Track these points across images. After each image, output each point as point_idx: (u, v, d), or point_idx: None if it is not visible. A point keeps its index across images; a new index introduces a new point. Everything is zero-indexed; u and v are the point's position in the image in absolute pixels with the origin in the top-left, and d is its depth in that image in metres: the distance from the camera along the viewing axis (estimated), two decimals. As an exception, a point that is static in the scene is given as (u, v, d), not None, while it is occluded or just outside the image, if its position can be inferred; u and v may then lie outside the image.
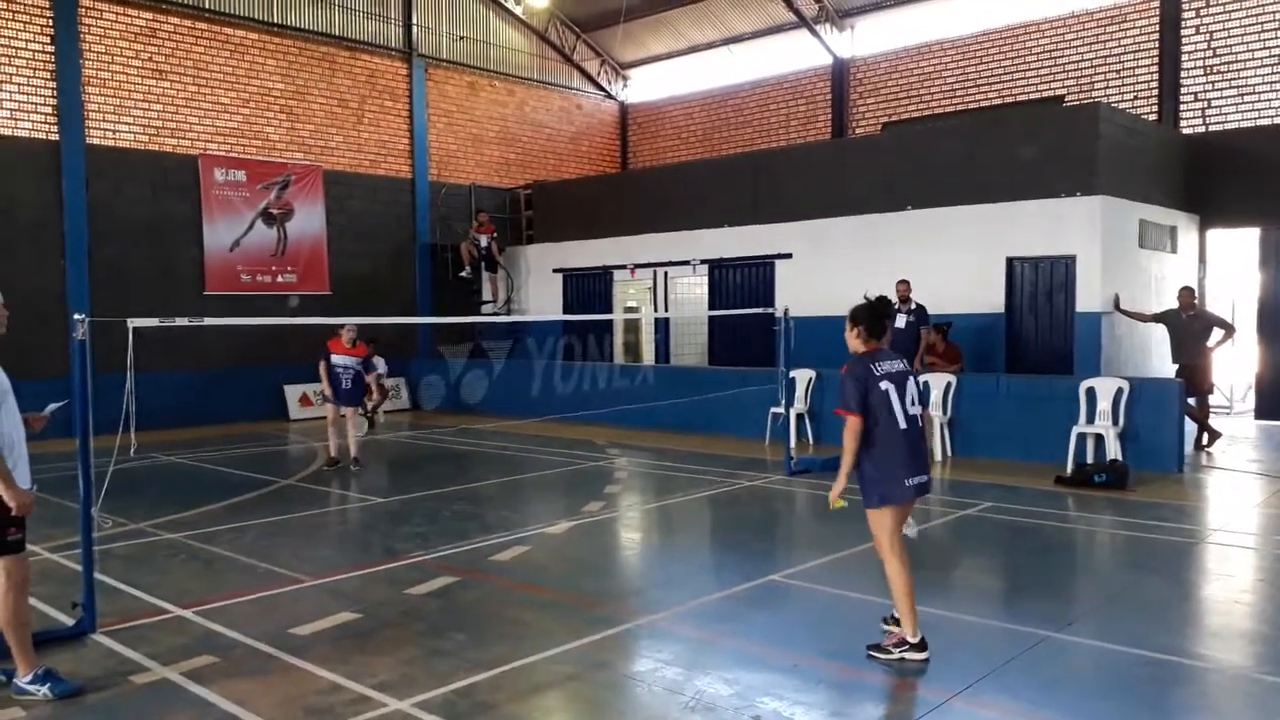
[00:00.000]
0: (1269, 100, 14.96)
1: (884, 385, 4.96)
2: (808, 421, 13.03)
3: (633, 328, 19.62)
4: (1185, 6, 15.71)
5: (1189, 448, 11.37)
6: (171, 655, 5.15)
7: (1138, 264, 13.48)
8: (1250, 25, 15.13)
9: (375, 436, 14.74)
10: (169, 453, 12.72)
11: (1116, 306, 12.73)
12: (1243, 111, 15.18)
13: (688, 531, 8.94)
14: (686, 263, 17.17)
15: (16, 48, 14.57)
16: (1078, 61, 16.87)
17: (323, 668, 4.95)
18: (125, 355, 5.55)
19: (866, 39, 19.87)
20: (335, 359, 11.53)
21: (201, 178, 16.45)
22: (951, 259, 13.58)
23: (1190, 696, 4.73)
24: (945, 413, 11.80)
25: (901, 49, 19.17)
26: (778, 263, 15.84)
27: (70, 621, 5.52)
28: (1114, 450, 10.32)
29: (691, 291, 17.58)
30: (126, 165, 15.62)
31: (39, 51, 14.78)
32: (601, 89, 23.57)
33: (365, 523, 9.14)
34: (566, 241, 19.05)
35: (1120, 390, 10.64)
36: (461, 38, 20.55)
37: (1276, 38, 14.89)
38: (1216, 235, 15.46)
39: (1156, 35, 15.99)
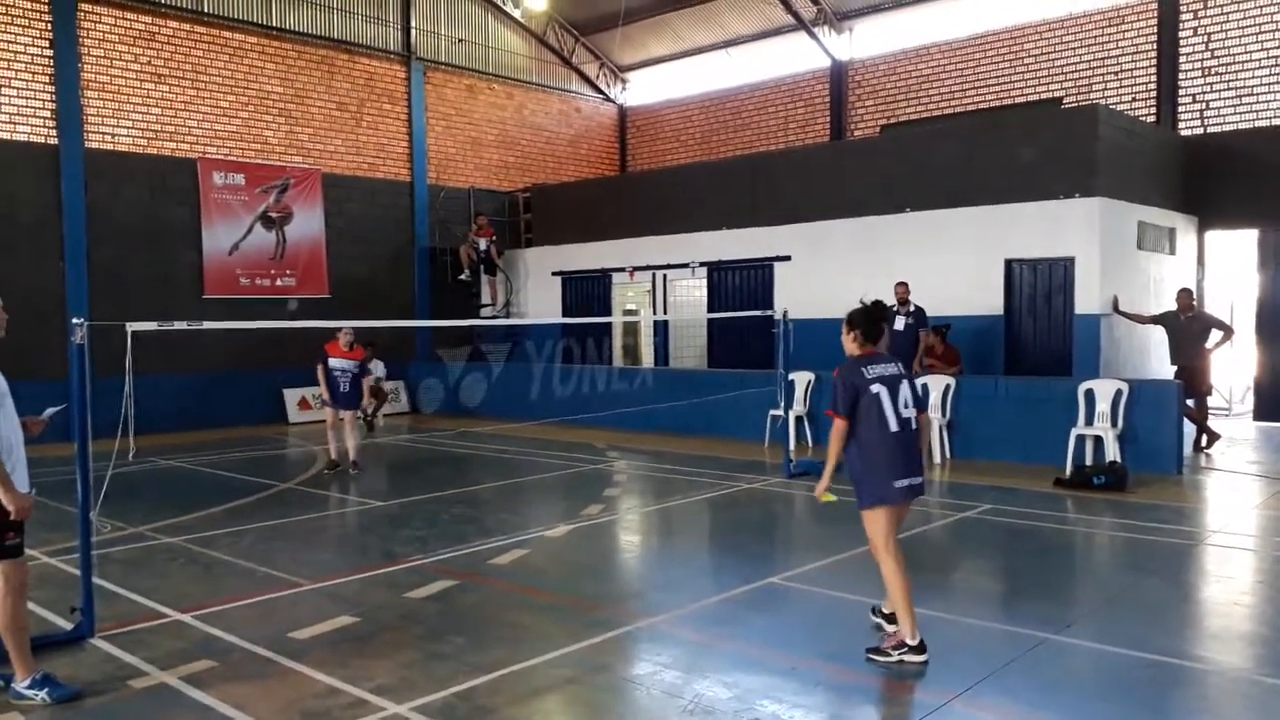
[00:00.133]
0: (1267, 102, 14.98)
1: (875, 388, 5.02)
2: (806, 424, 13.03)
3: (632, 330, 19.61)
4: (1183, 8, 15.73)
5: (1188, 449, 11.37)
6: (170, 659, 5.15)
7: (1136, 266, 13.48)
8: (1248, 27, 15.15)
9: (374, 440, 14.73)
10: (168, 457, 12.72)
11: (1115, 308, 12.73)
12: (1241, 113, 15.20)
13: (687, 534, 8.94)
14: (685, 265, 17.17)
15: (15, 51, 14.58)
16: (1076, 63, 16.89)
17: (321, 671, 4.94)
18: (124, 359, 5.55)
19: (865, 41, 19.89)
20: (333, 362, 11.52)
21: (200, 181, 16.46)
22: (950, 261, 13.58)
23: (1190, 698, 4.73)
24: (944, 415, 11.81)
25: (900, 51, 19.20)
26: (776, 265, 15.85)
27: (69, 626, 5.51)
28: (1113, 452, 10.32)
29: (690, 294, 17.58)
30: (125, 169, 15.63)
31: (38, 55, 14.79)
32: (600, 92, 23.59)
33: (364, 526, 9.13)
34: (565, 244, 19.06)
35: (1119, 392, 10.64)
36: (460, 41, 20.57)
37: (1274, 39, 14.91)
38: (1215, 237, 15.46)
39: (1154, 37, 16.01)
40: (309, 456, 13.22)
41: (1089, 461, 10.50)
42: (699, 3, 20.98)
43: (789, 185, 15.96)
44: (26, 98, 14.69)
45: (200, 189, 16.45)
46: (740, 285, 16.54)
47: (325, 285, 17.98)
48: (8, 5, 14.49)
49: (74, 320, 5.48)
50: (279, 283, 17.41)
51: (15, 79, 14.57)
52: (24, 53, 14.66)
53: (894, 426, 5.01)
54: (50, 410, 5.10)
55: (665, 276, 17.57)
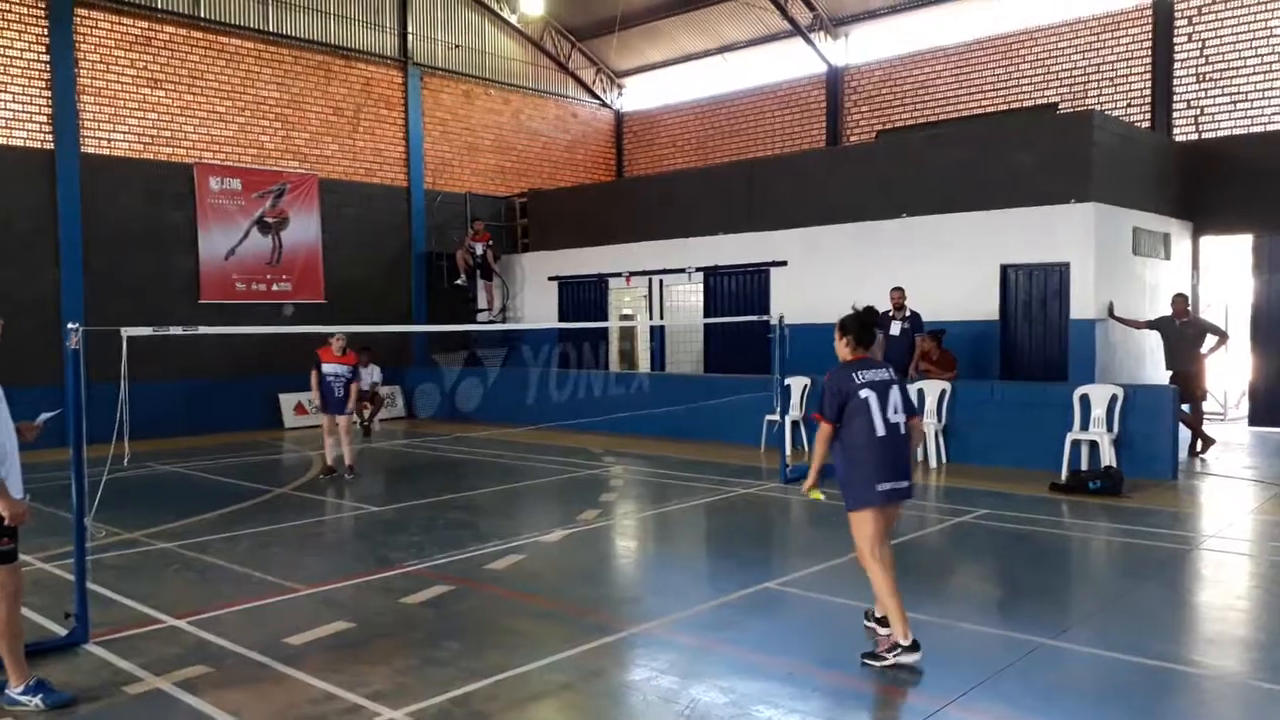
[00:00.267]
0: (1261, 107, 15.03)
1: (864, 393, 5.09)
2: (803, 429, 13.04)
3: (628, 335, 19.62)
4: (1178, 14, 15.79)
5: (1183, 454, 11.39)
6: (164, 665, 5.13)
7: (1131, 271, 13.52)
8: (1242, 33, 15.21)
9: (370, 445, 14.71)
10: (163, 462, 12.69)
11: (1110, 313, 12.76)
12: (1235, 119, 15.25)
13: (683, 539, 8.93)
14: (682, 270, 17.18)
15: (11, 56, 14.57)
16: (1071, 69, 16.95)
17: (316, 677, 4.93)
18: (119, 364, 5.54)
19: (861, 47, 19.94)
20: (326, 368, 11.52)
21: (197, 186, 16.45)
22: (946, 266, 13.61)
23: (1186, 703, 4.73)
24: (940, 420, 11.82)
25: (896, 57, 19.25)
26: (773, 270, 15.87)
27: (63, 632, 5.50)
28: (1108, 457, 10.34)
29: (687, 299, 17.60)
30: (121, 174, 15.61)
31: (34, 60, 14.78)
32: (597, 97, 23.62)
33: (360, 531, 9.12)
34: (562, 249, 19.07)
35: (1114, 397, 10.66)
36: (457, 46, 20.59)
37: (1268, 45, 14.97)
38: (1210, 242, 15.51)
39: (1150, 43, 16.07)
40: (305, 462, 13.20)
41: (1084, 466, 10.51)
42: (695, 9, 21.03)
43: (785, 191, 15.98)
44: (23, 102, 14.67)
45: (196, 194, 16.44)
46: (736, 290, 16.56)
47: (321, 290, 17.96)
48: (3, 10, 14.48)
49: (69, 325, 5.48)
50: (275, 288, 17.40)
51: (11, 84, 14.56)
52: (20, 57, 14.65)
53: (880, 431, 5.08)
54: (45, 415, 5.09)
55: (661, 281, 17.58)
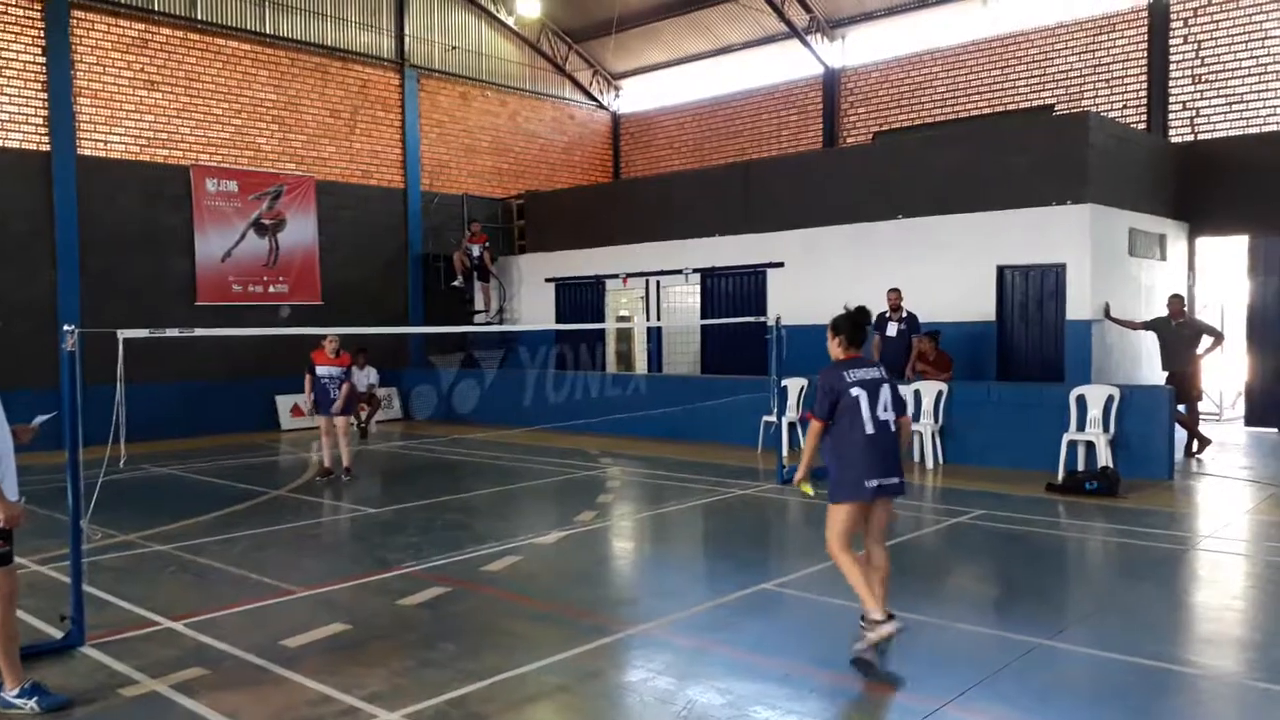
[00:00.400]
0: (1256, 109, 15.08)
1: (855, 391, 5.20)
2: (799, 430, 13.02)
3: (625, 337, 19.62)
4: (1174, 16, 15.83)
5: (1179, 455, 11.41)
6: (161, 668, 5.13)
7: (1127, 272, 13.54)
8: (1238, 35, 15.25)
9: (367, 446, 14.70)
10: (160, 464, 12.68)
11: (1106, 314, 12.78)
12: (1231, 120, 15.30)
13: (680, 540, 8.93)
14: (679, 272, 17.19)
15: (8, 58, 14.55)
16: (1067, 71, 16.98)
17: (313, 679, 4.93)
18: (115, 366, 5.53)
19: (857, 49, 19.96)
20: (320, 370, 11.52)
21: (193, 188, 16.43)
22: (942, 267, 13.63)
23: (1182, 704, 4.73)
24: (936, 421, 11.83)
25: (892, 59, 19.28)
26: (769, 271, 15.88)
27: (59, 634, 5.49)
28: (1105, 457, 10.35)
29: (684, 300, 17.61)
30: (118, 176, 15.59)
31: (30, 62, 14.76)
32: (593, 99, 23.63)
33: (357, 533, 9.11)
34: (559, 251, 19.07)
35: (1111, 398, 10.68)
36: (453, 48, 20.59)
37: (1264, 47, 15.02)
38: (1205, 243, 15.55)
39: (1145, 45, 16.11)
40: (302, 463, 13.19)
41: (1081, 467, 10.53)
42: (692, 11, 21.05)
43: (782, 192, 16.00)
44: (19, 104, 14.65)
45: (193, 196, 16.43)
46: (733, 291, 16.57)
47: (318, 292, 17.95)
48: (0, 12, 14.47)
49: (65, 327, 5.47)
50: (272, 290, 17.39)
51: (8, 85, 14.54)
52: (16, 60, 14.63)
53: (870, 429, 5.17)
54: (40, 418, 5.08)
55: (659, 283, 17.59)
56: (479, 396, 17.55)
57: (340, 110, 18.52)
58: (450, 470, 12.75)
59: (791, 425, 12.86)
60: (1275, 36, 14.93)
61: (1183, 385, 11.67)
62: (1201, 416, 12.54)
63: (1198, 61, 15.62)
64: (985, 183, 13.54)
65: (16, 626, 4.77)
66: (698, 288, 17.07)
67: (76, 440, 5.40)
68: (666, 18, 21.45)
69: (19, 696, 4.56)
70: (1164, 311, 12.37)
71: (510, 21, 21.67)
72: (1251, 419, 14.67)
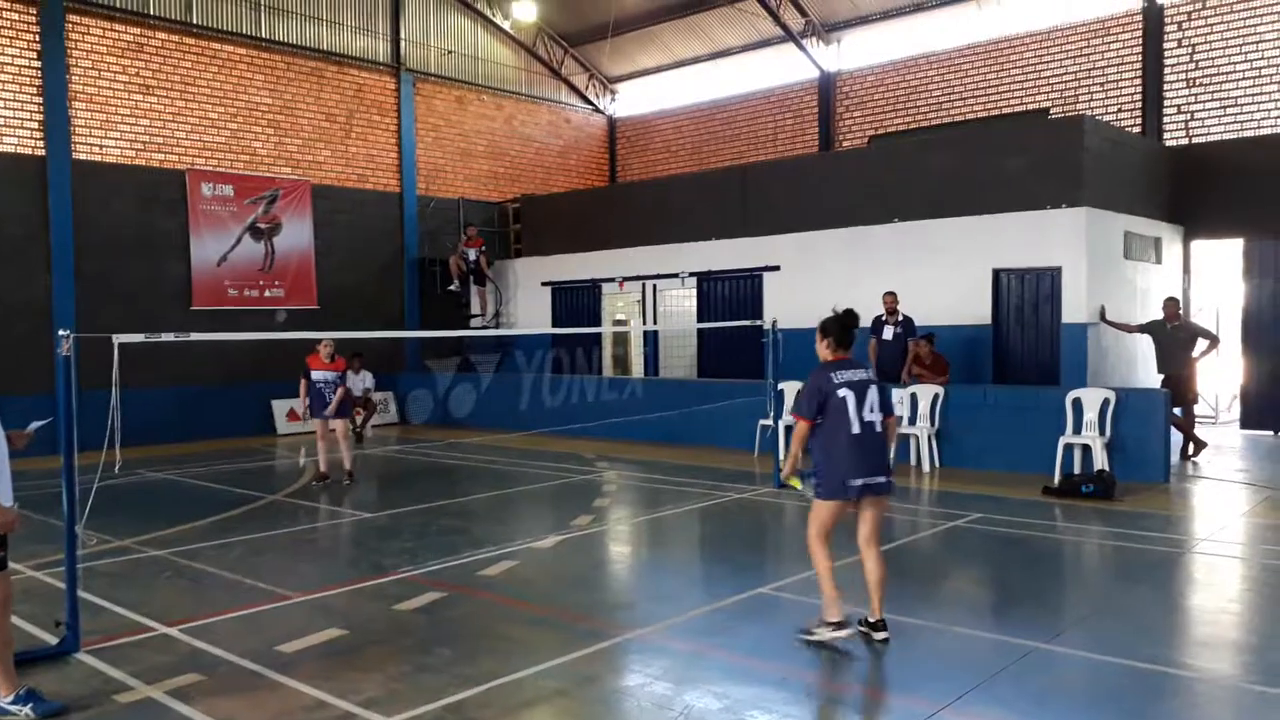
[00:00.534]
0: (1250, 112, 15.13)
1: (842, 393, 5.37)
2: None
3: (621, 340, 19.62)
4: (1168, 20, 15.89)
5: (1175, 458, 11.43)
6: (156, 674, 5.11)
7: (1123, 275, 13.57)
8: (1232, 38, 15.31)
9: (363, 451, 14.67)
10: (155, 469, 12.64)
11: (1102, 317, 12.80)
12: (1225, 123, 15.35)
13: (677, 545, 8.93)
14: (675, 275, 17.20)
15: (2, 63, 14.53)
16: (1062, 75, 17.03)
17: (309, 685, 4.91)
18: (110, 371, 5.52)
19: (853, 53, 20.00)
20: (315, 374, 11.52)
21: (189, 192, 16.41)
22: (938, 271, 13.65)
23: (1179, 707, 4.74)
24: (933, 424, 11.84)
25: (888, 63, 19.31)
26: (766, 275, 15.89)
27: (53, 640, 5.47)
28: (1101, 460, 10.36)
29: (680, 304, 17.61)
30: (113, 180, 15.57)
31: (25, 66, 14.74)
32: (590, 103, 23.65)
33: (353, 538, 9.09)
34: (555, 255, 19.07)
35: (1106, 401, 10.69)
36: (449, 52, 20.60)
37: (1258, 51, 15.07)
38: (1200, 246, 15.58)
39: (1140, 49, 16.16)
40: (297, 468, 13.16)
41: (1077, 470, 10.55)
42: (688, 15, 21.08)
43: (778, 195, 16.01)
44: (14, 109, 14.63)
45: (189, 200, 16.41)
46: (730, 295, 16.57)
47: (314, 296, 17.93)
48: (-5, 16, 14.47)
49: (60, 332, 5.46)
50: (268, 294, 17.36)
51: (2, 90, 14.51)
52: (11, 64, 14.61)
53: (855, 429, 5.33)
54: (35, 424, 5.07)
55: (655, 286, 17.59)
56: (475, 401, 17.53)
57: (336, 114, 18.52)
58: (446, 474, 12.73)
59: (789, 429, 12.85)
60: (1269, 40, 15.00)
61: (1178, 388, 11.69)
62: (1197, 419, 12.56)
63: (1192, 65, 15.67)
64: (980, 186, 13.57)
65: (11, 633, 4.76)
66: (694, 291, 17.07)
67: (71, 445, 5.38)
68: (662, 21, 21.48)
69: (14, 703, 4.55)
70: (1159, 314, 12.39)
71: (506, 25, 21.69)
72: (1247, 422, 14.70)
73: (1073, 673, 5.08)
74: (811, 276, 14.97)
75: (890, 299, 12.72)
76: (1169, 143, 15.69)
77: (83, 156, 15.28)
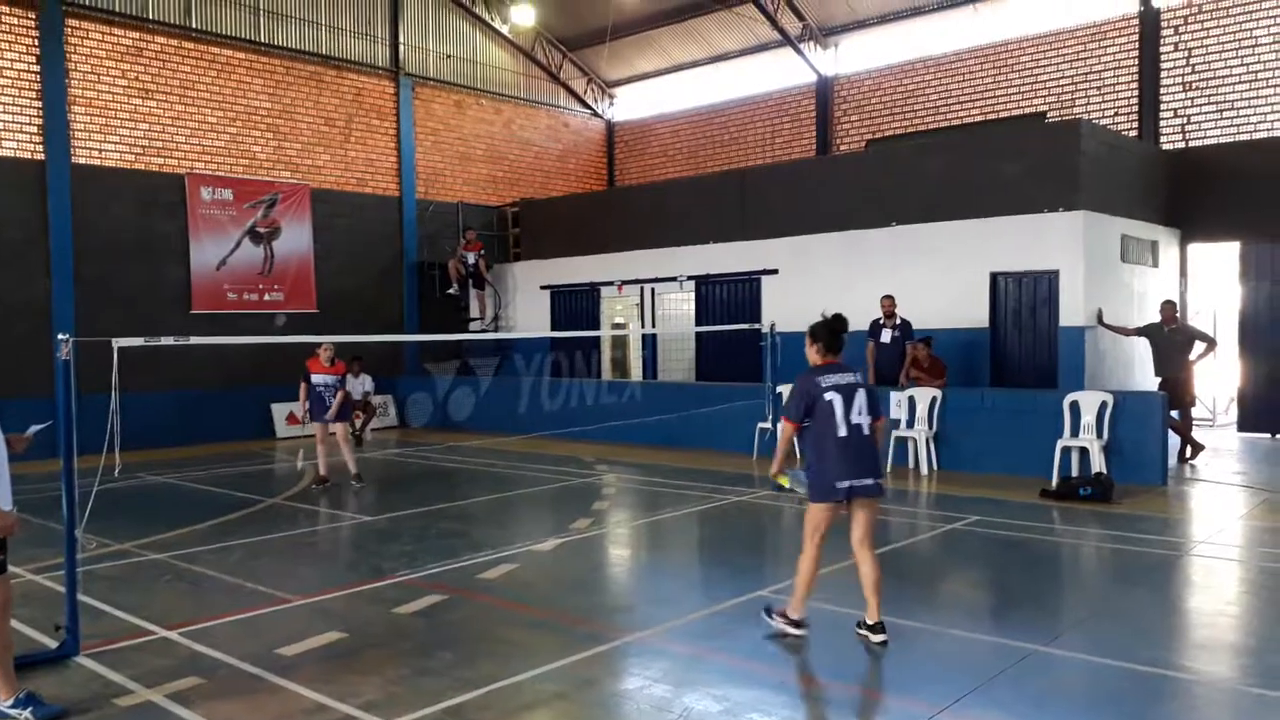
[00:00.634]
0: (1247, 116, 15.16)
1: (829, 396, 5.48)
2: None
3: (620, 344, 19.64)
4: (1164, 24, 15.93)
5: (1173, 461, 11.45)
6: (156, 677, 5.11)
7: (1120, 278, 13.60)
8: (1228, 42, 15.35)
9: (362, 454, 14.64)
10: (155, 472, 12.64)
11: (1099, 321, 12.83)
12: (1221, 127, 15.38)
13: (676, 548, 8.94)
14: (673, 279, 17.22)
15: (2, 67, 14.54)
16: (1059, 78, 17.07)
17: (309, 688, 4.92)
18: (110, 375, 5.53)
19: (850, 57, 20.04)
20: (315, 378, 11.53)
21: (188, 196, 16.42)
22: (936, 274, 13.67)
23: (1177, 710, 4.75)
24: (930, 427, 11.86)
25: (885, 67, 19.35)
26: (764, 278, 15.91)
27: (53, 644, 5.47)
28: (1098, 463, 10.38)
29: (678, 308, 17.63)
30: (112, 184, 15.58)
31: (24, 70, 14.76)
32: (588, 107, 23.68)
33: (352, 541, 9.10)
34: (554, 258, 19.09)
35: (1104, 404, 10.71)
36: (448, 56, 20.63)
37: (1254, 54, 15.11)
38: (1197, 249, 15.62)
39: (1136, 52, 16.20)
40: (297, 472, 13.17)
41: (1075, 473, 10.56)
42: (686, 19, 21.11)
43: (776, 199, 16.04)
44: (13, 113, 14.64)
45: (188, 204, 16.42)
46: (728, 299, 16.60)
47: (313, 300, 17.94)
48: (-6, 21, 14.48)
49: (60, 336, 5.47)
50: (267, 298, 17.38)
51: (2, 95, 14.52)
52: (10, 68, 14.63)
53: (843, 432, 5.44)
54: (35, 428, 5.07)
55: (653, 290, 17.61)
56: (474, 404, 17.54)
57: (335, 118, 18.54)
58: (446, 478, 12.73)
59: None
60: (1265, 44, 15.03)
61: (1176, 391, 11.72)
62: (1194, 422, 12.58)
63: (1188, 69, 15.71)
64: (978, 190, 13.59)
65: (11, 636, 4.76)
66: (692, 295, 17.10)
67: (71, 449, 5.38)
68: (661, 26, 21.52)
69: (14, 707, 4.55)
70: (1156, 318, 12.43)
71: (505, 30, 21.72)
72: (1244, 424, 14.73)
73: (1071, 675, 5.09)
74: (809, 280, 14.99)
75: (888, 302, 12.75)
76: (1166, 146, 15.73)
77: (82, 160, 15.29)
